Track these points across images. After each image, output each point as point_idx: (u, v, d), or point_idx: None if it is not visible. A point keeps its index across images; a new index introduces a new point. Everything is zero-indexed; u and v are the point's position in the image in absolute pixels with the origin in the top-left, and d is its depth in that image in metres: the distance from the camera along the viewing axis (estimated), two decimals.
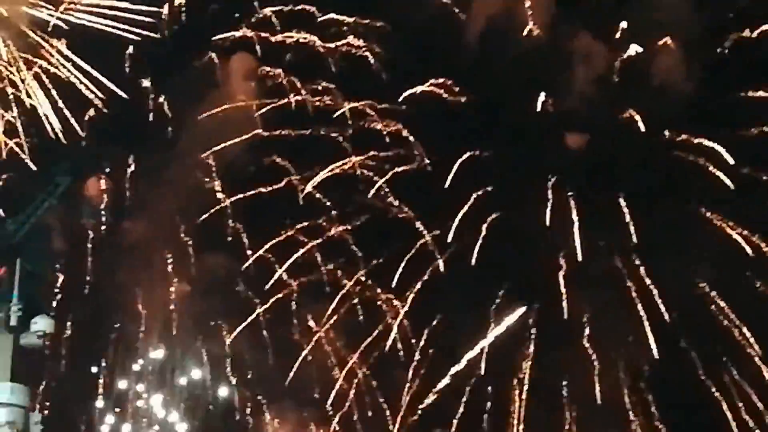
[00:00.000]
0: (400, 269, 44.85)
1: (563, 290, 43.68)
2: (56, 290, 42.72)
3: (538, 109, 44.41)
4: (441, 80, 45.12)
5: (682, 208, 43.72)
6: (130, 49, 45.92)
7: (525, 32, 44.41)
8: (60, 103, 43.61)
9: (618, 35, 44.55)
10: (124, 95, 45.05)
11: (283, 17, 46.55)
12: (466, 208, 43.96)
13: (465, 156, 44.18)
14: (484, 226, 43.92)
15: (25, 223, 36.74)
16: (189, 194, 45.79)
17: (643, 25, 43.89)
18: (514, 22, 44.40)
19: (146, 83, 46.88)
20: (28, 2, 44.71)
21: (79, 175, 42.96)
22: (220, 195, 46.18)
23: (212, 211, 46.07)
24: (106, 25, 44.68)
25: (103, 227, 45.49)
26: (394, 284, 45.14)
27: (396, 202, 45.54)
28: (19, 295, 36.80)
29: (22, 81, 43.79)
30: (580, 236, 43.39)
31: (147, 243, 45.56)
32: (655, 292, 43.26)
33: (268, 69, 46.46)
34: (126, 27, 44.33)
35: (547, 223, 43.50)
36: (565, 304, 43.65)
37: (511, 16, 44.51)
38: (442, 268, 45.14)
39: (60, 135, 43.28)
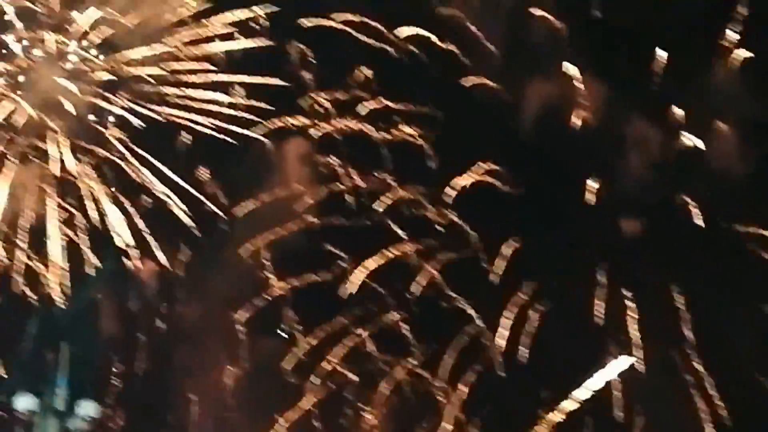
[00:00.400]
0: (454, 359, 44.67)
1: (616, 384, 42.97)
2: (104, 374, 42.70)
3: (591, 195, 44.15)
4: (492, 166, 45.16)
5: (742, 301, 42.85)
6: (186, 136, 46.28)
7: (577, 116, 44.43)
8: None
9: (673, 120, 44.24)
10: (181, 182, 45.98)
11: (337, 104, 46.86)
12: (515, 298, 43.75)
13: (515, 244, 43.98)
14: (534, 317, 43.55)
15: (71, 307, 36.77)
16: (241, 279, 45.72)
17: (699, 110, 43.50)
18: (566, 106, 44.34)
19: (204, 170, 46.81)
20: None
21: (127, 258, 43.12)
22: (272, 281, 46.01)
23: (265, 296, 45.95)
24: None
25: (154, 311, 45.41)
26: (447, 374, 44.83)
27: (448, 291, 45.22)
28: (66, 379, 36.60)
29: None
30: (633, 328, 42.78)
31: (198, 328, 45.48)
32: (713, 387, 42.38)
33: (321, 155, 46.64)
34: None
35: (599, 314, 42.98)
36: (617, 398, 42.90)
37: (563, 100, 44.50)
38: (497, 362, 44.79)
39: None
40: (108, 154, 45.92)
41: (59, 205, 45.22)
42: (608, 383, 43.20)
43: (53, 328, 36.64)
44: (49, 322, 36.66)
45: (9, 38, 45.58)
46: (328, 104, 46.91)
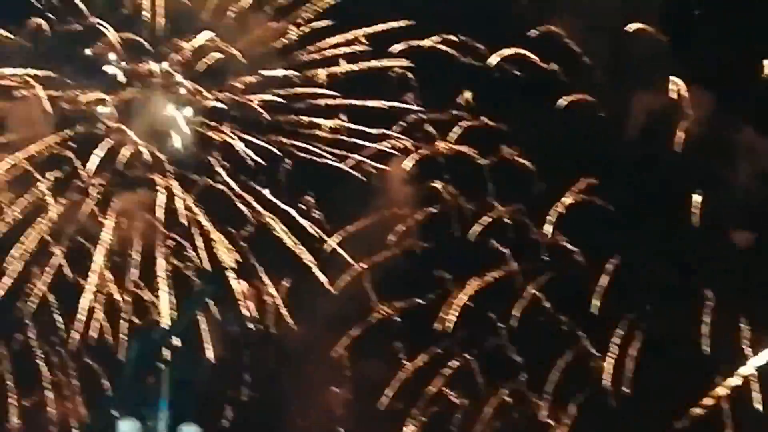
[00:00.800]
0: (560, 380, 44.07)
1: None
2: (207, 398, 42.95)
3: (696, 209, 43.20)
4: (594, 184, 44.49)
5: None
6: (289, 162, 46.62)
7: (682, 129, 43.56)
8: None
9: None
10: (285, 207, 46.33)
11: (439, 125, 46.70)
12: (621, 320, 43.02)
13: (619, 262, 43.21)
14: (639, 338, 42.81)
15: (171, 331, 37.06)
16: (345, 303, 45.70)
17: None
18: (670, 119, 43.53)
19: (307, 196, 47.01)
20: None
21: (233, 284, 43.49)
22: (376, 304, 45.91)
23: (368, 320, 45.89)
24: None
25: (258, 335, 45.58)
26: (553, 395, 44.23)
27: (552, 311, 44.62)
28: (168, 404, 36.78)
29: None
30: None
31: (302, 352, 45.52)
32: None
33: (424, 177, 46.49)
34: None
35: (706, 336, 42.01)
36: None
37: (667, 113, 43.71)
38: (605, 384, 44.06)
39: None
40: (213, 182, 46.38)
41: (166, 234, 45.82)
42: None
43: (156, 352, 36.91)
44: (152, 347, 36.93)
45: (115, 69, 46.36)
46: (430, 126, 46.76)
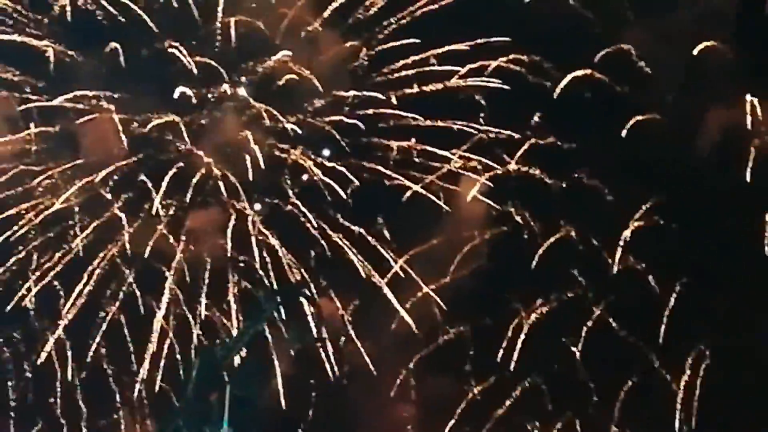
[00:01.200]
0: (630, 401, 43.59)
1: None
2: (272, 416, 43.11)
3: None
4: (665, 204, 43.93)
5: None
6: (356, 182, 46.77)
7: (756, 146, 42.96)
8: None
9: None
10: (354, 228, 46.47)
11: (510, 146, 46.49)
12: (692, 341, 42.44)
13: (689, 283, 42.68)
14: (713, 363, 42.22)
15: (232, 349, 37.37)
16: (414, 322, 45.61)
17: None
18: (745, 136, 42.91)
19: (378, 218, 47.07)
20: None
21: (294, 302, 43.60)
22: (445, 324, 45.76)
23: (438, 340, 45.74)
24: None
25: (326, 353, 45.63)
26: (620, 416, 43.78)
27: (623, 333, 44.10)
28: (230, 422, 37.19)
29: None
30: None
31: (371, 370, 45.50)
32: None
33: (493, 198, 46.30)
34: None
35: None
36: None
37: (739, 132, 43.05)
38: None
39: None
40: (283, 204, 46.72)
41: (236, 256, 46.23)
42: None
43: (218, 371, 37.31)
44: (214, 366, 37.32)
45: (189, 91, 46.93)
46: (499, 147, 46.57)
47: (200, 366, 37.22)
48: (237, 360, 38.61)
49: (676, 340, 43.31)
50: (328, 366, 45.41)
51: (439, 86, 46.87)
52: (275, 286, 44.82)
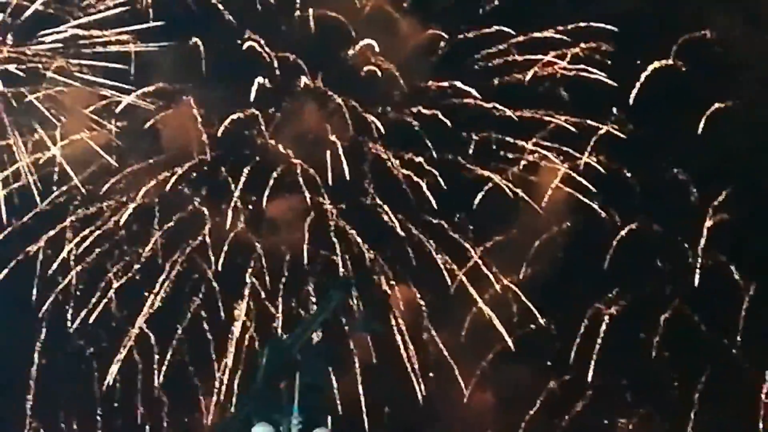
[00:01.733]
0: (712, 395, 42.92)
1: None
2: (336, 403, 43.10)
3: None
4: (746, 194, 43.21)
5: None
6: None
7: None
8: None
9: None
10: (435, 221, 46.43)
11: (588, 137, 45.97)
12: None
13: None
14: None
15: (300, 337, 37.36)
16: (493, 312, 45.35)
17: None
18: None
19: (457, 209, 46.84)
20: None
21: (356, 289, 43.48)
22: (522, 316, 45.40)
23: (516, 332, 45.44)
24: None
25: (400, 341, 45.55)
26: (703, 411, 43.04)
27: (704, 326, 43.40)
28: (300, 409, 37.10)
29: None
30: None
31: (446, 358, 45.36)
32: None
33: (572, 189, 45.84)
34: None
35: None
36: None
37: None
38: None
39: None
40: (363, 197, 46.80)
41: (315, 249, 46.39)
42: None
43: (287, 358, 37.33)
44: (283, 353, 37.40)
45: (268, 84, 47.22)
46: (578, 138, 46.10)
47: (269, 354, 37.25)
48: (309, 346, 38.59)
49: (758, 331, 42.35)
50: (405, 356, 45.31)
51: (520, 76, 46.61)
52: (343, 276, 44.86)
